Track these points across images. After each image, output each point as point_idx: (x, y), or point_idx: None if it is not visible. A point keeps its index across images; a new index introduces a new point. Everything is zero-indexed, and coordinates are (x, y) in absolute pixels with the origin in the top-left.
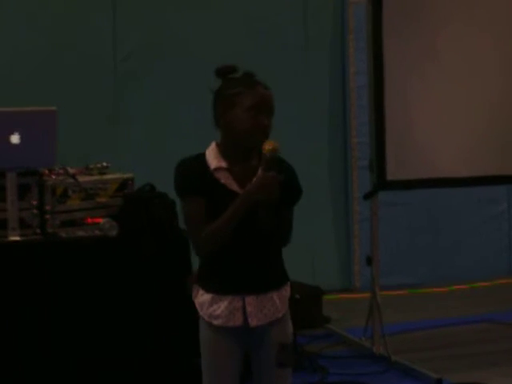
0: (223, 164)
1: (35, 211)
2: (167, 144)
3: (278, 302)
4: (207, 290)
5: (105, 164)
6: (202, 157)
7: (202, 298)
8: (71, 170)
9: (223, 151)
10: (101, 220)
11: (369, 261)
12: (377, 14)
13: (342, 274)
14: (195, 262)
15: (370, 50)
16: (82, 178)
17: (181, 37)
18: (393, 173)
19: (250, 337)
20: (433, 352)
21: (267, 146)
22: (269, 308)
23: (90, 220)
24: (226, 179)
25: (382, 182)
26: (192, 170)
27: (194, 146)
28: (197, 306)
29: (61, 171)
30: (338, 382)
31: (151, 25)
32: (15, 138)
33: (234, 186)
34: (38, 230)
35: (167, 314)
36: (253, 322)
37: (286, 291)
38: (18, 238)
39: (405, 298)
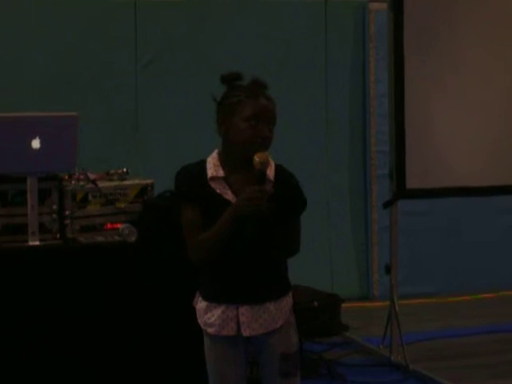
0: (220, 173)
1: (55, 216)
2: (188, 150)
3: (274, 312)
4: (203, 298)
5: (125, 170)
6: (202, 164)
7: (199, 305)
8: (91, 176)
9: (223, 159)
10: (120, 226)
11: (387, 269)
12: (398, 21)
13: (361, 282)
14: None
15: (390, 58)
16: (102, 184)
17: (202, 44)
18: (412, 181)
19: (249, 345)
20: (451, 361)
21: (257, 158)
22: (265, 318)
23: (109, 225)
24: (221, 188)
25: (401, 191)
26: (189, 177)
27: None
28: (196, 312)
29: (81, 176)
30: None
31: (172, 32)
32: (36, 143)
33: (230, 196)
34: (58, 235)
35: (186, 320)
36: (245, 332)
37: (287, 301)
38: (37, 243)
39: (423, 306)
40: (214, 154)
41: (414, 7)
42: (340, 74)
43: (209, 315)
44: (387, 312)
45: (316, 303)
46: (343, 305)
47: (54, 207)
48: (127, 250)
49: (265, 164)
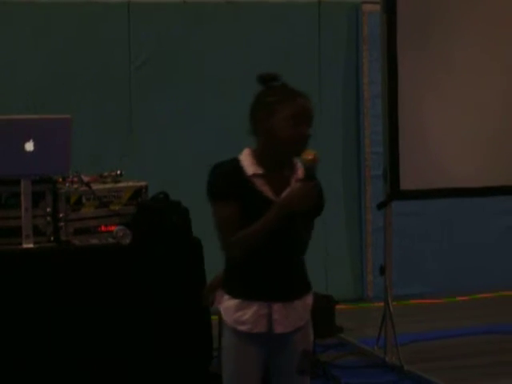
0: (260, 170)
1: (49, 219)
2: (181, 152)
3: (301, 310)
4: (234, 296)
5: (118, 172)
6: (236, 162)
7: (227, 303)
8: (85, 178)
9: (259, 158)
10: (114, 228)
11: (382, 270)
12: (391, 23)
13: (355, 283)
14: (208, 269)
15: (383, 60)
16: (95, 186)
17: (195, 46)
18: (406, 182)
19: (273, 343)
20: (446, 362)
21: (308, 156)
22: (293, 316)
23: (103, 228)
24: (261, 186)
25: (395, 192)
26: (227, 175)
27: (207, 155)
28: (221, 311)
29: (75, 179)
30: None
31: (165, 34)
32: (30, 146)
33: (269, 193)
34: (52, 238)
35: (180, 321)
36: (278, 329)
37: (309, 300)
38: (31, 246)
39: (418, 307)
40: (247, 152)
41: (407, 8)
42: (333, 76)
43: (240, 313)
44: (382, 313)
45: None
46: (337, 306)
47: (48, 210)
48: (121, 252)
49: (316, 160)
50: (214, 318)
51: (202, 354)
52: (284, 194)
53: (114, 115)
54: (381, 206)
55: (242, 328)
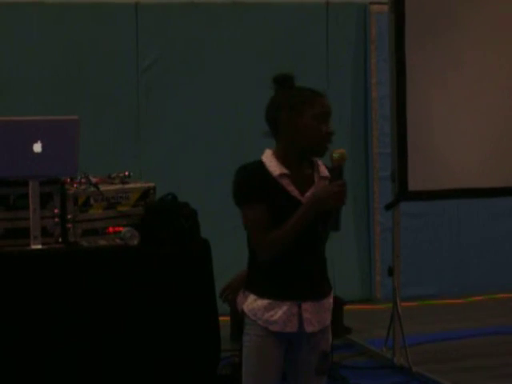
0: (285, 171)
1: (57, 220)
2: (189, 154)
3: (327, 309)
4: (262, 296)
5: (127, 173)
6: (260, 163)
7: (254, 303)
8: (93, 179)
9: (282, 158)
10: (122, 229)
11: (390, 271)
12: (399, 23)
13: (363, 284)
14: (217, 270)
15: (392, 60)
16: (103, 187)
17: (202, 49)
18: (414, 183)
19: (296, 343)
20: (454, 363)
21: (337, 155)
22: (321, 315)
23: (111, 229)
24: (288, 186)
25: (403, 193)
26: (255, 177)
27: (215, 156)
28: (247, 311)
29: (83, 180)
30: None
31: (173, 35)
32: (38, 147)
33: (296, 193)
34: (60, 239)
35: (188, 323)
36: (308, 328)
37: (331, 299)
38: (39, 247)
39: (426, 309)
40: (269, 154)
41: (415, 9)
42: (341, 77)
43: (271, 313)
44: (390, 314)
45: None
46: (345, 307)
47: (56, 211)
48: (129, 254)
49: (344, 159)
50: (224, 319)
51: (210, 356)
52: (311, 193)
53: (121, 116)
54: (389, 206)
55: (273, 328)
